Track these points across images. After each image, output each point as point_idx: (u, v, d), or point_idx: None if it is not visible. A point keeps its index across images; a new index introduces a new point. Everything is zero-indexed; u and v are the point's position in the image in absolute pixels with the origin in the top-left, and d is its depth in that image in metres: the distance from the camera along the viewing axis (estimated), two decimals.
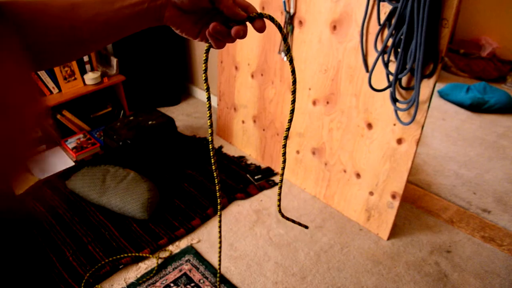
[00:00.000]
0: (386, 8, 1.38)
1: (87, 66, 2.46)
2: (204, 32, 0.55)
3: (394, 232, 1.79)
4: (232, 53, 2.13)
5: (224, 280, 1.58)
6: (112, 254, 1.67)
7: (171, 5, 0.51)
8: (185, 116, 2.75)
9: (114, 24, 0.50)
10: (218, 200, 0.59)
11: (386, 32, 1.40)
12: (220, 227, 0.60)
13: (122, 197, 1.85)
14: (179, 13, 0.52)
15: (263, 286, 1.57)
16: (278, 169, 2.19)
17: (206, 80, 0.59)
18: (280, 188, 0.61)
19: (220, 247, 0.59)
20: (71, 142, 2.39)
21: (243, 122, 2.28)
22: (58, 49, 0.49)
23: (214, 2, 0.51)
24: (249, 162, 2.28)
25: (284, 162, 0.59)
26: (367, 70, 1.53)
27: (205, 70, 0.59)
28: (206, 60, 0.58)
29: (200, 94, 2.95)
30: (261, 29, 0.53)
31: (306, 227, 0.64)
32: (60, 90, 2.38)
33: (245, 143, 2.34)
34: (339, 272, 1.62)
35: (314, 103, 1.82)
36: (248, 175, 2.15)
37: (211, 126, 0.63)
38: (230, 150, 2.38)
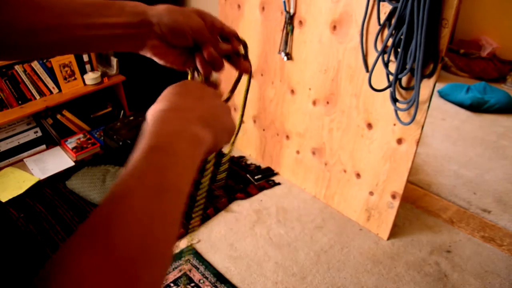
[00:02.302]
0: (386, 8, 1.38)
1: (87, 66, 2.46)
2: (190, 60, 0.53)
3: (394, 232, 1.79)
4: None
5: (224, 280, 1.58)
6: None
7: (154, 36, 0.49)
8: None
9: (83, 39, 0.46)
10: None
11: (386, 32, 1.40)
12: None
13: None
14: (162, 44, 0.50)
15: (263, 286, 1.57)
16: (278, 169, 2.19)
17: None
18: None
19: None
20: (71, 142, 2.39)
21: (243, 122, 2.29)
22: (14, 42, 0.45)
23: (198, 43, 0.50)
24: (249, 162, 2.28)
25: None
26: (367, 70, 1.53)
27: None
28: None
29: None
30: (245, 71, 0.57)
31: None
32: (60, 90, 2.39)
33: (245, 143, 2.34)
34: (339, 272, 1.62)
35: (314, 103, 1.82)
36: (248, 175, 2.15)
37: None
38: None
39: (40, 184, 2.10)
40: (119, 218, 0.29)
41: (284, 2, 1.71)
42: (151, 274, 0.29)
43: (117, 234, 0.28)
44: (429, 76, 1.35)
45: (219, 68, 0.52)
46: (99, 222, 0.29)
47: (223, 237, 1.79)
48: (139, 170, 0.33)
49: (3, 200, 1.98)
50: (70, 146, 2.36)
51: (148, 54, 0.51)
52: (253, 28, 1.93)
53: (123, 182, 0.32)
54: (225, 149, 0.60)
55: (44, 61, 2.27)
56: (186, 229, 1.81)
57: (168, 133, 0.38)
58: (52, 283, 0.25)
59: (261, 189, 2.07)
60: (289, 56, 1.82)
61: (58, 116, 2.43)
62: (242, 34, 0.54)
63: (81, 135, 2.46)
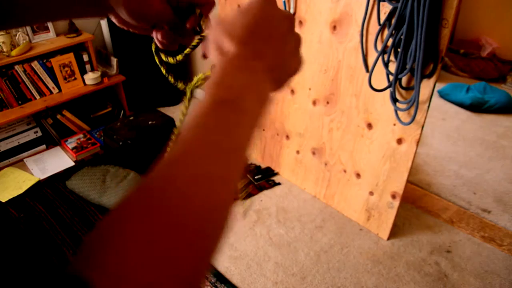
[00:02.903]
0: (386, 8, 1.38)
1: (87, 66, 2.46)
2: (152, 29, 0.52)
3: (394, 232, 1.79)
4: None
5: (224, 280, 1.58)
6: None
7: (113, 12, 0.48)
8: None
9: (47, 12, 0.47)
10: None
11: (386, 32, 1.40)
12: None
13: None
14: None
15: (263, 286, 1.57)
16: (278, 169, 2.19)
17: None
18: None
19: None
20: (71, 142, 2.39)
21: None
22: None
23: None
24: (249, 162, 2.28)
25: None
26: (367, 70, 1.53)
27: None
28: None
29: (200, 94, 2.95)
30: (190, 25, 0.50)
31: None
32: (60, 90, 2.39)
33: None
34: (339, 272, 1.62)
35: (314, 103, 1.82)
36: (248, 175, 2.15)
37: None
38: None
39: (40, 184, 2.10)
40: (177, 180, 0.27)
41: (284, 2, 1.71)
42: (208, 241, 0.27)
43: (174, 198, 0.26)
44: (429, 76, 1.35)
45: (173, 46, 0.51)
46: (156, 184, 0.27)
47: None
48: (205, 126, 0.30)
49: (3, 200, 1.98)
50: (70, 146, 2.36)
51: (113, 20, 0.50)
52: None
53: (187, 137, 0.30)
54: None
55: (44, 61, 2.27)
56: None
57: (240, 86, 0.33)
58: (97, 250, 0.23)
59: (261, 189, 2.07)
60: None
61: (58, 116, 2.43)
62: None
63: (81, 135, 2.46)
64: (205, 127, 0.30)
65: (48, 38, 2.36)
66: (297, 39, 0.39)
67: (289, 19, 0.39)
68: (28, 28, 2.28)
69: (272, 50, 0.37)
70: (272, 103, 0.37)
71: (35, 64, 2.25)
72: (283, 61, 0.38)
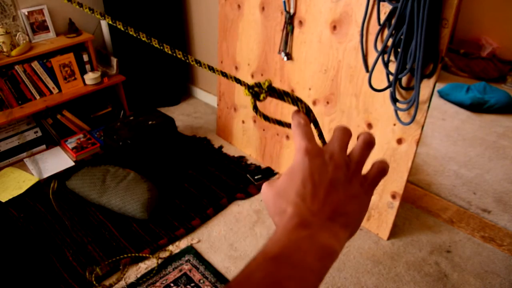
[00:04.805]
0: (386, 8, 1.38)
1: (87, 66, 2.46)
2: None
3: (394, 232, 1.79)
4: (232, 53, 2.13)
5: (224, 280, 1.58)
6: (112, 254, 1.67)
7: None
8: (185, 116, 2.75)
9: None
10: None
11: (386, 32, 1.40)
12: None
13: (122, 197, 1.85)
14: None
15: None
16: (278, 169, 2.19)
17: None
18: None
19: None
20: (71, 142, 2.39)
21: (243, 122, 2.28)
22: None
23: None
24: (249, 162, 2.28)
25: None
26: (367, 70, 1.53)
27: None
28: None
29: (200, 94, 2.95)
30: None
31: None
32: (60, 90, 2.39)
33: (245, 143, 2.34)
34: (339, 272, 1.62)
35: (314, 103, 1.82)
36: (248, 175, 2.15)
37: None
38: (230, 150, 2.38)
39: (40, 184, 2.10)
40: None
41: (284, 2, 1.71)
42: None
43: None
44: (429, 76, 1.35)
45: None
46: None
47: (223, 237, 1.79)
48: (252, 283, 0.31)
49: (3, 200, 1.98)
50: (70, 146, 2.36)
51: None
52: (253, 28, 1.93)
53: None
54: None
55: (44, 61, 2.27)
56: (186, 229, 1.81)
57: (292, 244, 0.34)
58: None
59: (261, 189, 2.07)
60: (289, 56, 1.82)
61: (58, 116, 2.43)
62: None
63: (81, 135, 2.46)
64: (254, 283, 0.31)
65: (48, 38, 2.36)
66: (358, 190, 0.40)
67: (346, 164, 0.40)
68: (28, 28, 2.28)
69: (333, 200, 0.37)
70: (338, 253, 0.36)
71: (35, 64, 2.25)
72: (348, 208, 0.37)
